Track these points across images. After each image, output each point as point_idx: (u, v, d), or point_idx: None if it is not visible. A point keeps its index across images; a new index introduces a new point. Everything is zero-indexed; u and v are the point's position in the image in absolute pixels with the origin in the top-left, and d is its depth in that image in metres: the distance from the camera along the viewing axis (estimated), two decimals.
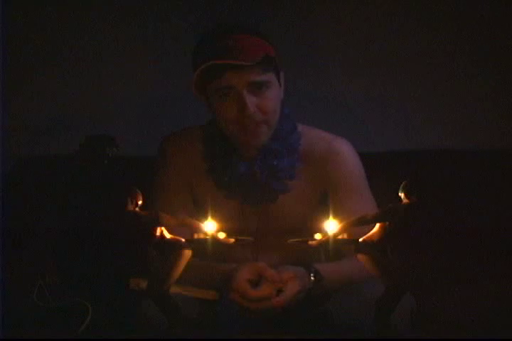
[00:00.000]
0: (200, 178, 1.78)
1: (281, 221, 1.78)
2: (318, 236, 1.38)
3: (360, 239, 1.38)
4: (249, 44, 1.64)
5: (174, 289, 1.45)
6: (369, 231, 1.39)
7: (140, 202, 1.41)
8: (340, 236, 1.38)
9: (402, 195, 1.38)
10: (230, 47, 1.62)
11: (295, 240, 1.41)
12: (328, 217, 1.40)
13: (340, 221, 1.38)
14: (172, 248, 1.39)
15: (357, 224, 1.38)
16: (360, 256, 1.38)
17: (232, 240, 1.41)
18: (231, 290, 1.58)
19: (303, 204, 1.77)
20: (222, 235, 1.40)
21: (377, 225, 1.38)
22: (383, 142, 2.25)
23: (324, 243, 1.37)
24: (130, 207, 1.39)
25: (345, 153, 1.78)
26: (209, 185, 1.77)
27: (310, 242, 1.38)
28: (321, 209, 1.76)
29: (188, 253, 1.39)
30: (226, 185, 1.75)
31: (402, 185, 1.38)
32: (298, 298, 1.58)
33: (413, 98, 2.27)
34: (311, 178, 1.76)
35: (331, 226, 1.38)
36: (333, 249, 1.39)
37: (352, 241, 1.38)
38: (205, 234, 1.39)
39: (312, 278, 1.63)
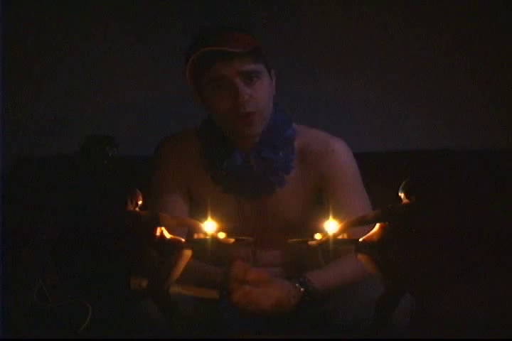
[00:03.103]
0: (197, 177, 1.79)
1: (278, 217, 1.80)
2: (318, 236, 1.38)
3: (360, 239, 1.38)
4: (238, 36, 1.69)
5: (174, 289, 1.45)
6: (369, 231, 1.39)
7: (140, 202, 1.41)
8: (340, 236, 1.38)
9: (402, 195, 1.38)
10: (220, 38, 1.68)
11: (295, 240, 1.41)
12: (327, 217, 1.40)
13: (340, 221, 1.39)
14: (172, 248, 1.39)
15: (357, 224, 1.39)
16: (360, 256, 1.37)
17: (232, 240, 1.41)
18: (229, 279, 1.59)
19: (298, 201, 1.79)
20: (222, 235, 1.40)
21: (377, 225, 1.38)
22: (382, 142, 2.24)
23: (324, 243, 1.38)
24: (130, 207, 1.39)
25: (341, 152, 1.80)
26: (206, 182, 1.78)
27: (310, 242, 1.38)
28: (317, 207, 1.79)
29: (188, 253, 1.39)
30: (223, 179, 1.76)
31: (402, 185, 1.38)
32: (289, 304, 1.61)
33: (412, 98, 2.27)
34: (307, 175, 1.78)
35: (331, 226, 1.38)
36: (333, 249, 1.39)
37: (352, 241, 1.38)
38: (205, 234, 1.39)
39: (302, 289, 1.64)
